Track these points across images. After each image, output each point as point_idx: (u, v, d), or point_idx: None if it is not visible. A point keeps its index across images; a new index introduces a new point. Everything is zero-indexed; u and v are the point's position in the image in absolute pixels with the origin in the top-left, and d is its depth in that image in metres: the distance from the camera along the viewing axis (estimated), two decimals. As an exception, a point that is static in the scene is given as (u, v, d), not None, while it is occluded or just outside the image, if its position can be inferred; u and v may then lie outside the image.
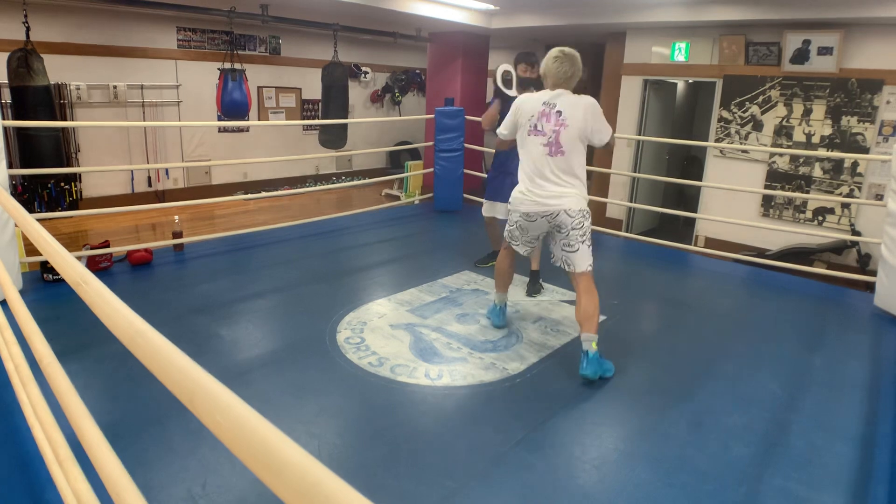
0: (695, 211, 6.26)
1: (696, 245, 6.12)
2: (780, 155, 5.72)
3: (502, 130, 2.92)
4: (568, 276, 2.80)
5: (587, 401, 2.54)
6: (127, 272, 3.90)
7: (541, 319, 3.36)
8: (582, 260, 2.70)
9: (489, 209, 4.06)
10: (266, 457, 0.50)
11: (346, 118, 7.23)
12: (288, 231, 5.01)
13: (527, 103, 2.75)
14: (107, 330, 0.86)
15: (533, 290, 3.79)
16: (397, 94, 9.83)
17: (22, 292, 3.24)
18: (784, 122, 5.71)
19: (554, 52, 2.72)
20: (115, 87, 6.54)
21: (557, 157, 2.66)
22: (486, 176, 6.95)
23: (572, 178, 2.70)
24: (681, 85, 7.42)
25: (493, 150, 4.02)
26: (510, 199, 2.86)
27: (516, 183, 3.17)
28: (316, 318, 3.24)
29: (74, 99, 6.24)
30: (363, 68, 9.28)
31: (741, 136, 6.01)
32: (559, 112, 2.64)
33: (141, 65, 6.78)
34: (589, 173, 8.01)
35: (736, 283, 4.42)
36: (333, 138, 7.02)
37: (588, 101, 2.68)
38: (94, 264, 3.80)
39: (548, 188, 2.69)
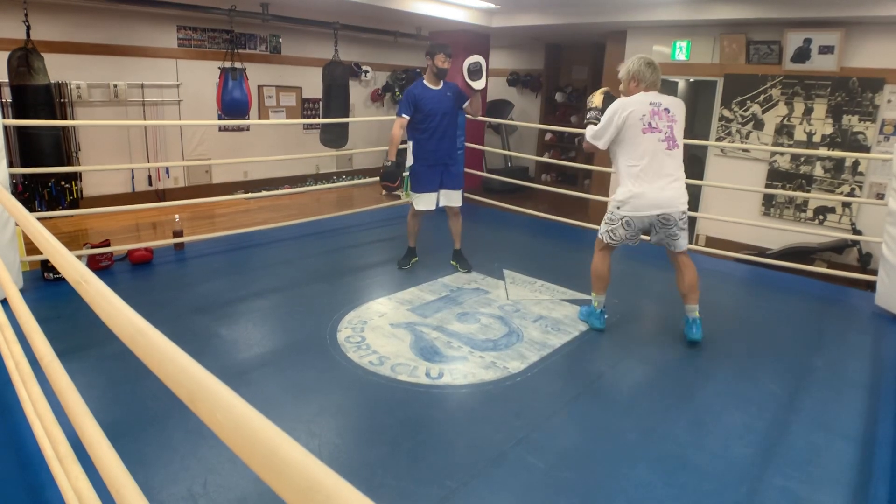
0: (695, 210, 6.25)
1: (696, 244, 6.11)
2: (781, 154, 5.71)
3: (599, 139, 2.96)
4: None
5: (587, 400, 2.54)
6: (127, 271, 3.91)
7: (541, 318, 3.36)
8: (683, 243, 3.00)
9: (432, 201, 4.01)
10: (266, 456, 0.50)
11: (347, 117, 7.23)
12: (288, 230, 5.01)
13: (630, 106, 2.87)
14: (107, 329, 0.86)
15: (464, 266, 4.11)
16: (398, 94, 9.82)
17: (22, 291, 3.24)
18: (785, 121, 5.70)
19: (645, 58, 2.96)
20: (115, 86, 6.54)
21: (675, 150, 2.90)
22: (486, 175, 6.98)
23: (681, 173, 2.93)
24: (682, 84, 7.41)
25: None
26: (618, 200, 2.97)
27: (429, 170, 3.78)
28: (316, 317, 3.25)
29: (75, 98, 6.24)
30: (363, 67, 9.27)
31: (742, 134, 6.00)
32: (667, 109, 2.90)
33: (141, 64, 6.78)
34: (589, 172, 7.98)
35: (736, 282, 4.42)
36: (335, 137, 7.02)
37: (681, 101, 2.99)
38: (94, 263, 3.80)
39: (667, 189, 2.87)
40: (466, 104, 3.90)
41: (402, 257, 4.22)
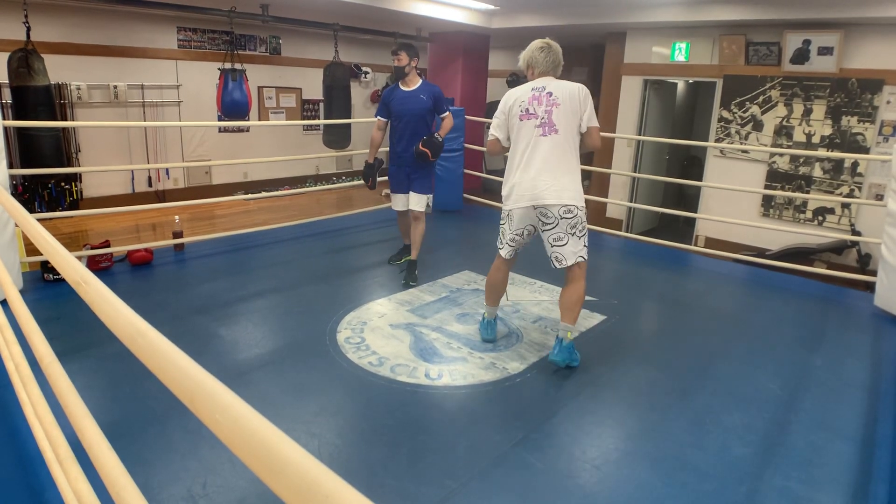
0: (695, 211, 6.26)
1: (696, 245, 6.12)
2: (781, 155, 5.72)
3: (496, 132, 2.80)
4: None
5: (587, 401, 2.54)
6: (127, 272, 3.91)
7: (541, 319, 3.36)
8: (570, 252, 2.65)
9: (403, 202, 3.98)
10: (266, 456, 0.50)
11: (350, 118, 7.23)
12: (288, 231, 5.01)
13: (514, 94, 2.74)
14: (107, 330, 0.86)
15: (410, 278, 3.86)
16: (397, 94, 9.81)
17: (22, 292, 3.24)
18: (784, 122, 5.70)
19: (539, 43, 2.75)
20: (115, 87, 6.54)
21: (551, 135, 2.63)
22: (485, 176, 6.98)
23: (565, 163, 2.63)
24: (681, 85, 7.41)
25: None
26: (503, 196, 2.77)
27: (398, 171, 3.74)
28: (316, 317, 3.25)
29: (75, 99, 6.24)
30: (363, 68, 9.28)
31: (741, 136, 6.01)
32: (549, 93, 2.67)
33: (141, 65, 6.78)
34: (588, 173, 7.98)
35: (736, 283, 4.42)
36: (338, 138, 7.03)
37: (579, 84, 2.70)
38: (94, 264, 3.80)
39: (539, 178, 2.62)
40: (443, 117, 3.83)
41: (394, 254, 4.30)
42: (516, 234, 2.77)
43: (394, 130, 3.88)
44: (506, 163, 2.84)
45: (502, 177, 2.85)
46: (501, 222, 2.85)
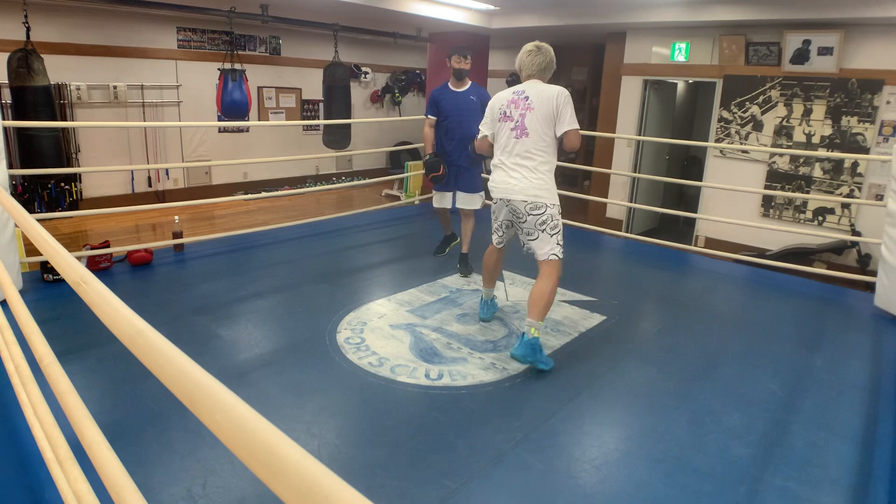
0: (695, 211, 6.26)
1: (696, 245, 6.12)
2: (781, 155, 5.72)
3: (483, 130, 3.02)
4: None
5: (587, 401, 2.54)
6: (127, 272, 3.90)
7: (541, 319, 3.35)
8: (541, 248, 2.79)
9: (446, 200, 4.19)
10: (266, 457, 0.50)
11: (350, 118, 7.23)
12: (288, 231, 5.01)
13: (499, 97, 2.92)
14: (107, 330, 0.86)
15: (464, 271, 4.08)
16: (397, 95, 9.82)
17: (22, 292, 3.24)
18: (784, 123, 5.70)
19: (528, 46, 2.88)
20: (115, 87, 6.54)
21: (522, 138, 2.78)
22: (486, 175, 6.98)
23: (533, 163, 2.77)
24: (681, 85, 7.41)
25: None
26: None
27: (448, 169, 3.89)
28: (316, 318, 3.24)
29: (74, 99, 6.24)
30: (363, 68, 9.28)
31: (741, 136, 6.01)
32: (527, 97, 2.79)
33: (141, 65, 6.78)
34: (588, 174, 7.96)
35: (736, 283, 4.42)
36: (338, 138, 7.03)
37: (559, 88, 2.78)
38: (94, 264, 3.80)
39: (509, 177, 2.81)
40: None
41: (438, 245, 4.47)
42: (501, 224, 3.01)
43: (442, 130, 4.03)
44: None
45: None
46: (492, 213, 3.08)
